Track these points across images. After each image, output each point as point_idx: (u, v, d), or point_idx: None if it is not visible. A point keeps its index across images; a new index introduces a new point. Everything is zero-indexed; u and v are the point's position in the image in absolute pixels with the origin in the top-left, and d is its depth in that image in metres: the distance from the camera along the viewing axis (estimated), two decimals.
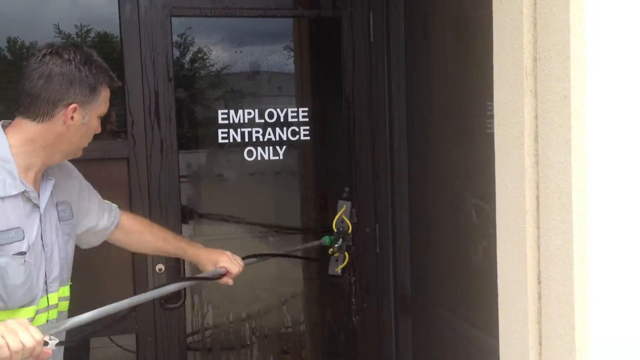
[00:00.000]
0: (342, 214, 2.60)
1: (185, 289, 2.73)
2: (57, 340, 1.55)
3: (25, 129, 1.79)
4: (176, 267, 2.72)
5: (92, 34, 2.79)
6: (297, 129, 2.95)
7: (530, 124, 1.47)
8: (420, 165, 2.79)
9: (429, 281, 2.79)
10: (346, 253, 2.59)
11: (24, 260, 1.77)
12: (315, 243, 2.62)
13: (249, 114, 2.89)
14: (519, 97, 1.48)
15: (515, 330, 1.55)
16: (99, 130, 1.92)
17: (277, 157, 2.94)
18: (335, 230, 2.60)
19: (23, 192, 1.77)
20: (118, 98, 2.74)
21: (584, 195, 1.33)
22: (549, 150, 1.41)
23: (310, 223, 3.28)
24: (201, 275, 2.23)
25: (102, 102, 1.87)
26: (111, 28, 2.77)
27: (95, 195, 2.16)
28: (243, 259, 2.30)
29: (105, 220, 2.17)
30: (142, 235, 2.28)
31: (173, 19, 2.71)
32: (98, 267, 2.58)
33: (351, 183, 2.95)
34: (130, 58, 2.64)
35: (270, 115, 2.92)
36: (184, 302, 2.78)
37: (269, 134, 2.92)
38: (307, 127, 2.96)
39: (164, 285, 2.05)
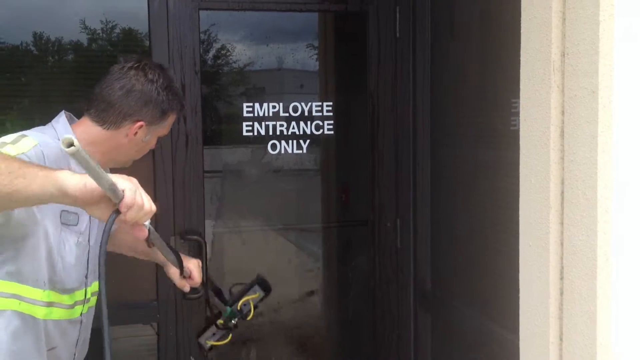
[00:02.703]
0: (251, 300, 2.56)
1: (207, 280, 2.75)
2: (149, 226, 1.51)
3: (90, 130, 1.86)
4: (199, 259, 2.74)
5: (118, 30, 2.82)
6: (321, 123, 2.96)
7: (556, 120, 1.46)
8: (444, 161, 2.78)
9: (449, 277, 2.79)
10: (230, 336, 2.52)
11: (77, 241, 1.84)
12: (218, 303, 2.56)
13: (274, 107, 2.90)
14: (545, 92, 1.48)
15: (536, 326, 1.55)
16: (153, 147, 2.01)
17: (300, 151, 2.95)
18: (238, 309, 2.56)
19: None
20: None
21: (610, 191, 1.33)
22: (574, 145, 1.41)
23: (332, 217, 3.29)
24: (177, 254, 2.13)
25: (166, 126, 1.96)
26: (137, 23, 2.80)
27: None
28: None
29: None
30: (125, 233, 2.17)
31: (201, 12, 2.73)
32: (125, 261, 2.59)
33: (373, 177, 2.96)
34: (158, 51, 2.66)
35: (295, 109, 2.93)
36: (200, 296, 2.80)
37: (293, 128, 2.93)
38: (331, 122, 2.97)
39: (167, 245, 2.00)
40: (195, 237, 2.73)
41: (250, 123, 2.88)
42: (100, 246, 1.39)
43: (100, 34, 2.79)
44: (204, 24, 2.80)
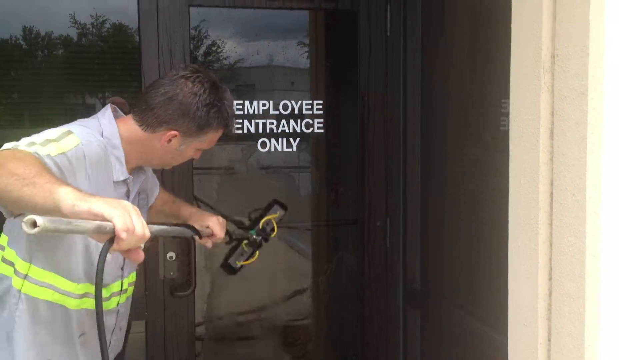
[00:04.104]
0: (274, 219, 2.56)
1: (195, 277, 2.75)
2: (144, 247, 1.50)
3: (131, 129, 1.87)
4: (187, 257, 2.74)
5: (108, 25, 2.81)
6: (311, 122, 2.95)
7: (546, 121, 1.46)
8: (434, 160, 2.78)
9: (439, 276, 2.79)
10: (257, 252, 2.54)
11: None
12: (240, 232, 2.56)
13: (264, 105, 2.90)
14: (535, 93, 1.48)
15: (524, 326, 1.55)
16: (196, 157, 2.00)
17: (290, 149, 2.95)
18: (260, 228, 2.55)
19: (125, 180, 1.88)
20: (131, 82, 2.76)
21: (599, 193, 1.33)
22: (564, 147, 1.41)
23: (321, 216, 3.29)
24: (187, 225, 2.14)
25: (205, 141, 1.94)
26: (127, 19, 2.79)
27: (155, 178, 2.24)
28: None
29: (155, 193, 2.25)
30: (166, 203, 2.30)
31: (191, 8, 2.72)
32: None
33: (363, 177, 2.96)
34: (148, 47, 2.66)
35: (285, 107, 2.93)
36: (193, 291, 2.79)
37: (283, 126, 2.93)
38: (322, 120, 2.96)
39: (162, 223, 1.95)
40: None
41: (240, 120, 2.87)
42: (97, 268, 1.38)
43: (90, 29, 2.78)
44: (194, 20, 2.79)
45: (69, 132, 1.74)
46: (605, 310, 1.36)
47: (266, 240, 2.56)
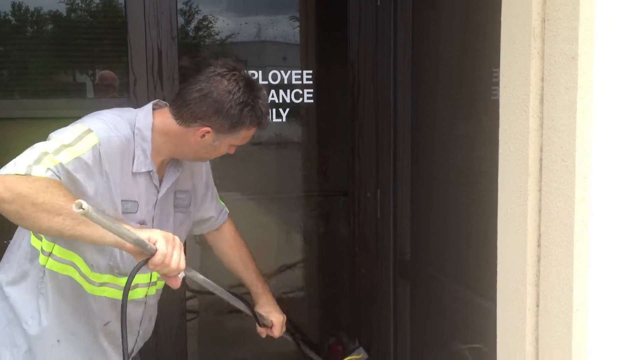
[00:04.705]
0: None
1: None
2: (185, 275, 1.68)
3: (167, 121, 1.92)
4: None
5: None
6: (300, 92, 2.93)
7: (536, 86, 1.45)
8: (424, 131, 2.77)
9: (429, 246, 2.79)
10: None
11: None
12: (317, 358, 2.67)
13: (253, 75, 2.86)
14: (525, 58, 1.47)
15: (513, 293, 1.56)
16: (231, 152, 2.02)
17: (280, 120, 2.93)
18: None
19: (149, 172, 1.91)
20: (121, 57, 2.72)
21: (588, 158, 1.32)
22: (554, 112, 1.40)
23: (312, 187, 3.28)
24: (256, 311, 2.27)
25: (239, 138, 1.96)
26: None
27: (213, 192, 2.27)
28: (286, 331, 2.38)
29: (213, 219, 2.29)
30: (231, 249, 2.37)
31: None
32: None
33: (354, 148, 2.94)
34: (134, 15, 2.62)
35: (274, 77, 2.90)
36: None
37: (273, 96, 2.90)
38: (311, 91, 2.94)
39: (233, 294, 2.12)
40: None
41: None
42: (124, 293, 1.58)
43: (80, 4, 2.75)
44: None
45: (88, 132, 1.78)
46: (593, 276, 1.36)
47: None
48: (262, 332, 2.30)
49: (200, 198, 2.20)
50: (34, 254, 1.89)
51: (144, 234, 1.56)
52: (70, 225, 1.56)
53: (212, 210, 2.27)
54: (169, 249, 1.57)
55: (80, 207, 1.31)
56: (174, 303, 2.79)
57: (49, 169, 1.65)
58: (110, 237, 1.54)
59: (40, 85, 2.84)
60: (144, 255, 1.56)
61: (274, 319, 2.30)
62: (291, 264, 3.30)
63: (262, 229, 3.07)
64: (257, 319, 2.23)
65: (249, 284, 2.36)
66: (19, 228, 1.93)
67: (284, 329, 2.34)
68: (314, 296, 3.45)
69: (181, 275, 1.65)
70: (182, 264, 1.60)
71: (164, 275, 1.65)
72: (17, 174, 1.60)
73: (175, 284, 1.66)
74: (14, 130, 2.59)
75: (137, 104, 2.63)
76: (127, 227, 1.53)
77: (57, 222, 1.55)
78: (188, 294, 2.97)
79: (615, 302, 1.38)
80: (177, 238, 1.62)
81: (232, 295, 2.08)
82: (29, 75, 2.79)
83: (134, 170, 1.88)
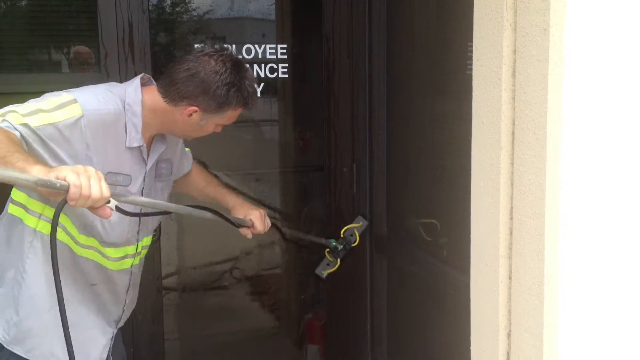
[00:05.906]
0: (356, 229, 2.73)
1: (160, 227, 2.72)
2: (117, 203, 1.63)
3: (155, 99, 1.93)
4: None
5: None
6: (275, 66, 2.90)
7: (508, 59, 1.45)
8: (400, 106, 2.77)
9: (405, 221, 2.80)
10: (339, 261, 2.68)
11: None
12: (323, 241, 2.71)
13: (226, 49, 2.82)
14: (498, 31, 1.46)
15: (486, 265, 1.57)
16: (217, 131, 2.05)
17: None
18: (342, 237, 2.71)
19: (140, 147, 1.94)
20: (91, 30, 2.67)
21: (559, 130, 1.32)
22: (526, 85, 1.40)
23: (288, 163, 3.27)
24: (227, 215, 2.24)
25: (225, 117, 1.99)
26: None
27: (183, 146, 2.27)
28: (272, 224, 2.37)
29: (187, 168, 2.32)
30: (194, 177, 2.38)
31: None
32: None
33: (329, 122, 2.93)
34: None
35: (248, 51, 2.86)
36: (158, 238, 2.77)
37: None
38: (286, 65, 2.91)
39: (193, 206, 2.08)
40: None
41: None
42: (51, 232, 1.54)
43: None
44: None
45: (73, 102, 1.79)
46: (563, 248, 1.37)
47: (348, 246, 2.69)
48: (246, 232, 2.29)
49: (178, 161, 2.23)
50: (14, 220, 1.92)
51: (52, 174, 1.50)
52: None
53: (186, 163, 2.31)
54: (82, 179, 1.50)
55: None
56: (150, 282, 2.77)
57: (5, 120, 1.67)
58: (20, 181, 1.51)
59: (13, 61, 2.81)
60: (61, 194, 1.52)
61: (252, 216, 2.27)
62: (268, 243, 3.29)
63: None
64: (231, 222, 2.21)
65: (217, 197, 2.36)
66: None
67: (268, 223, 2.32)
68: (290, 270, 3.46)
69: (112, 204, 1.60)
70: (105, 191, 1.54)
71: (92, 209, 1.59)
72: None
73: (104, 213, 1.59)
74: None
75: (108, 78, 2.60)
76: (38, 169, 1.51)
77: None
78: (164, 271, 2.95)
79: (586, 274, 1.40)
80: (90, 168, 1.55)
81: (193, 208, 2.05)
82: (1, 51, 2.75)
83: (127, 144, 1.90)
